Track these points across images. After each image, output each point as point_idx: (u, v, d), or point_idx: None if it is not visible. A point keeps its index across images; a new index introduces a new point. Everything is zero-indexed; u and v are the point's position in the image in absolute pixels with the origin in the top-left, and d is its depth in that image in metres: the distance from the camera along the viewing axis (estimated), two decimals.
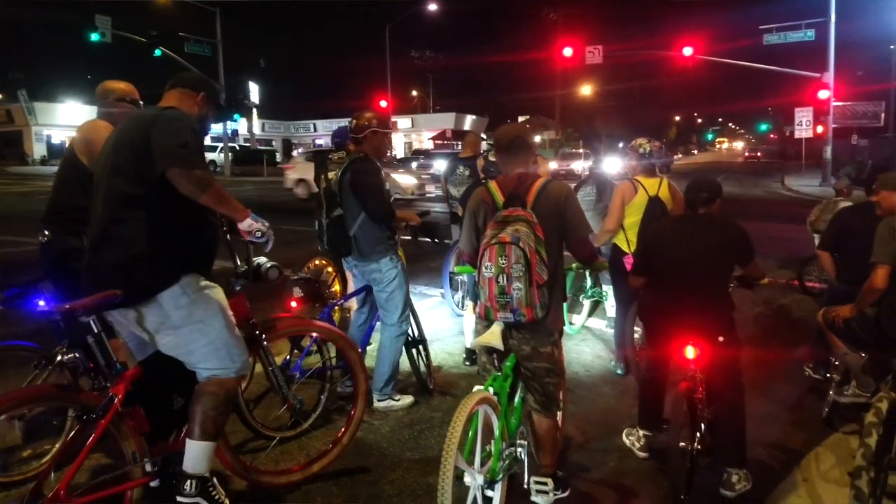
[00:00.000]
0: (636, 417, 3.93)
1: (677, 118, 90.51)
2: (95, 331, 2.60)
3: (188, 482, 2.72)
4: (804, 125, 29.46)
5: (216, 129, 39.79)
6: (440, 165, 20.45)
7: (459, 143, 8.38)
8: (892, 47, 38.31)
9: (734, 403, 3.49)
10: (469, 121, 54.20)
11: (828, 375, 4.52)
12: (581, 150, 38.76)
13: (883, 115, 31.18)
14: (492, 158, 5.25)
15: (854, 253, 4.08)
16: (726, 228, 3.56)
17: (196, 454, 2.75)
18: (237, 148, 42.91)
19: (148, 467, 2.75)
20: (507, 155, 3.23)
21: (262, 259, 3.21)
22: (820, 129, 28.67)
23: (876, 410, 3.07)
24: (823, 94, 26.74)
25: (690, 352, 3.39)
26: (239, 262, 3.21)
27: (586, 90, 54.44)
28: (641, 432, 3.84)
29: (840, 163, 27.26)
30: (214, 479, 2.83)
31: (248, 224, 2.92)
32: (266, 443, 3.76)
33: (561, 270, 3.19)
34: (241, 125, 48.50)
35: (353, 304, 4.92)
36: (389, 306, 4.37)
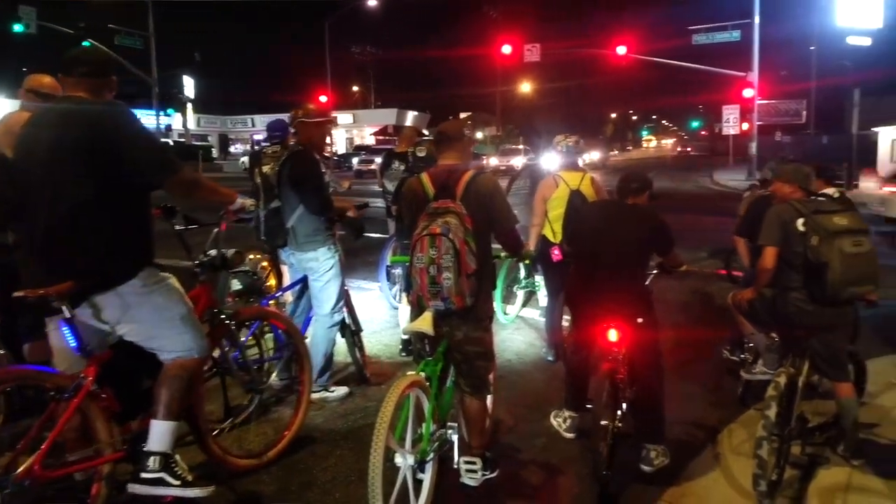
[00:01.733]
0: (564, 400, 4.09)
1: (613, 115, 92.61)
2: (68, 315, 2.67)
3: (151, 458, 2.80)
4: (731, 122, 30.82)
5: (148, 123, 38.71)
6: (379, 159, 20.51)
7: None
8: (811, 48, 40.09)
9: (653, 383, 3.68)
10: (411, 117, 54.15)
11: (741, 356, 4.79)
12: (521, 147, 39.30)
13: (804, 112, 32.79)
14: (419, 154, 5.31)
15: None
16: (647, 220, 3.77)
17: (160, 433, 2.84)
18: (171, 144, 41.65)
19: (117, 445, 2.85)
20: (447, 148, 3.38)
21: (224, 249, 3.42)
22: (746, 126, 29.91)
23: (776, 385, 3.30)
24: (748, 93, 27.98)
25: (613, 334, 3.56)
26: (204, 252, 3.39)
27: (526, 87, 55.18)
28: (567, 413, 3.99)
29: (765, 159, 28.48)
30: (177, 457, 2.90)
31: (240, 203, 3.23)
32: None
33: (490, 259, 3.31)
34: (175, 120, 47.13)
35: (289, 297, 4.93)
36: (323, 296, 4.41)
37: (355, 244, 5.98)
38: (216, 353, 3.53)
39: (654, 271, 3.95)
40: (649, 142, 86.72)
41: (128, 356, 2.90)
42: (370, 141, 50.17)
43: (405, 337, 5.43)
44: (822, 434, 3.75)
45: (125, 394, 2.93)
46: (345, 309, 4.65)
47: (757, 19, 27.60)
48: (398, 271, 6.48)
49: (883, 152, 29.88)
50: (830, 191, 5.02)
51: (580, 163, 5.52)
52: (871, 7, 24.86)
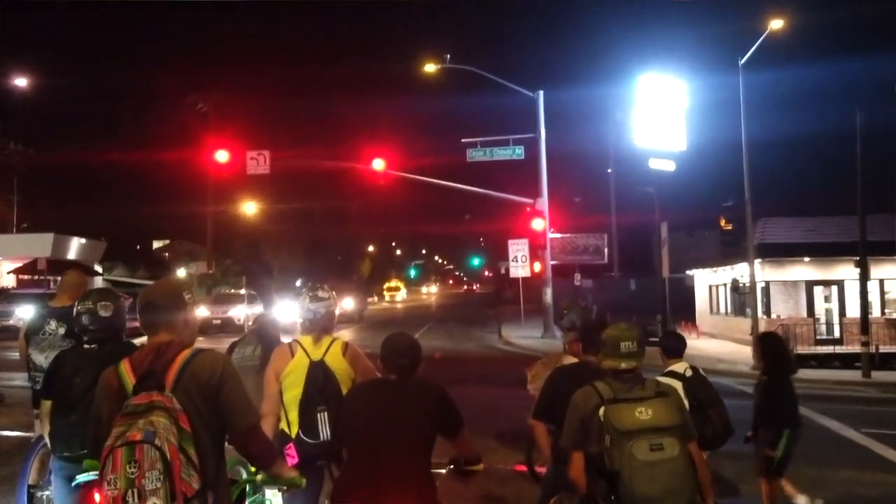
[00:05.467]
0: None
1: (371, 248, 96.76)
2: None
3: None
4: (520, 261, 33.53)
5: None
6: (25, 313, 19.00)
7: (57, 278, 7.95)
8: (608, 171, 45.51)
9: None
10: (76, 246, 51.87)
11: None
12: (243, 292, 39.22)
13: (606, 249, 36.87)
14: (103, 314, 4.93)
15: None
16: (426, 394, 3.99)
17: None
18: None
19: None
20: (157, 321, 3.35)
21: None
22: (538, 266, 32.73)
23: None
24: (538, 225, 30.63)
25: None
26: None
27: (251, 208, 55.82)
28: None
29: (563, 309, 31.14)
30: None
31: None
32: None
33: (224, 474, 3.27)
34: None
35: None
36: None
37: None
38: None
39: (449, 467, 4.19)
40: (396, 291, 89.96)
41: None
42: (9, 281, 46.96)
43: None
44: None
45: None
46: None
47: (543, 132, 30.88)
48: (46, 495, 5.92)
49: (701, 300, 34.03)
50: (680, 367, 5.61)
51: (328, 321, 5.42)
52: (674, 128, 29.21)
